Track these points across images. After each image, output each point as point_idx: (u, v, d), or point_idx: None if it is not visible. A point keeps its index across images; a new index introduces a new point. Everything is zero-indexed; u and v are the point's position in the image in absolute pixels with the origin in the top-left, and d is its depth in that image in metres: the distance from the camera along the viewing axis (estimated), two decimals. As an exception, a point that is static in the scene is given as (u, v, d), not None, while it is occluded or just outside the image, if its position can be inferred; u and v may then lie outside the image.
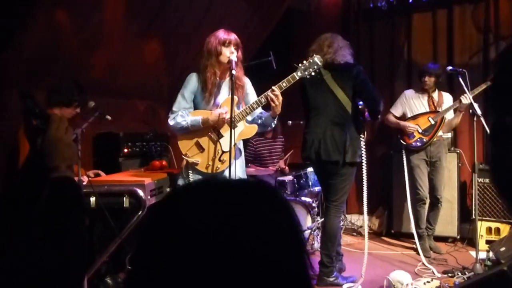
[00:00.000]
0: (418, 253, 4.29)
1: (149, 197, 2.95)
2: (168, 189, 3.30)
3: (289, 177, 4.88)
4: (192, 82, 3.08)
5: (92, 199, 2.91)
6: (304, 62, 2.96)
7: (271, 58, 4.07)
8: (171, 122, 3.04)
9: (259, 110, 3.13)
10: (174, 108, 3.07)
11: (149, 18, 4.26)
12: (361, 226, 5.53)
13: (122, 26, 4.03)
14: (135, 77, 4.56)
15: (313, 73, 2.97)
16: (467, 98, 3.95)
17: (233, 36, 2.99)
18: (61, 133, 1.29)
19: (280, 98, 2.88)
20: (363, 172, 3.55)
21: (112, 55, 4.15)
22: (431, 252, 4.42)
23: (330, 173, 3.57)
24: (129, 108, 4.72)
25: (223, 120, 2.92)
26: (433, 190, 4.48)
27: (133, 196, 2.89)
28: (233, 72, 2.79)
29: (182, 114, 3.02)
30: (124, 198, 2.90)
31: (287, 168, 5.48)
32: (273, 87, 2.88)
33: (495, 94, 0.81)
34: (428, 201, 4.50)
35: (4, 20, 3.16)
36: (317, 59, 2.95)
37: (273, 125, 3.13)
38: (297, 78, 2.93)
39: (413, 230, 4.42)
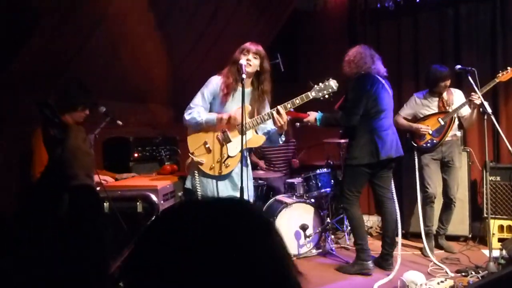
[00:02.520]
0: (423, 254, 4.35)
1: (162, 201, 2.96)
2: (180, 193, 3.32)
3: (299, 179, 4.89)
4: (215, 84, 3.13)
5: (106, 204, 2.93)
6: (320, 84, 3.04)
7: (279, 61, 4.09)
8: (187, 116, 3.09)
9: (270, 125, 3.17)
10: (191, 104, 3.13)
11: (156, 21, 4.27)
12: (371, 227, 5.52)
13: (129, 30, 4.05)
14: (143, 81, 4.58)
15: (326, 96, 3.03)
16: (477, 98, 3.92)
17: (254, 46, 3.06)
18: (79, 142, 1.30)
19: (285, 118, 2.93)
20: None
21: (119, 59, 4.17)
22: (443, 251, 4.42)
23: (388, 168, 3.95)
24: (138, 112, 4.73)
25: (235, 120, 2.96)
26: (446, 190, 4.45)
27: (147, 201, 2.91)
28: (243, 76, 2.80)
29: (199, 111, 3.08)
30: (138, 203, 2.91)
31: (297, 161, 5.52)
32: (278, 107, 2.94)
33: None
34: (436, 200, 4.47)
35: (13, 27, 3.19)
36: (332, 83, 3.04)
37: (280, 142, 3.21)
38: (311, 97, 3.01)
39: (422, 230, 4.42)
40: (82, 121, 3.48)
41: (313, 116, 3.74)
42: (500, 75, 4.18)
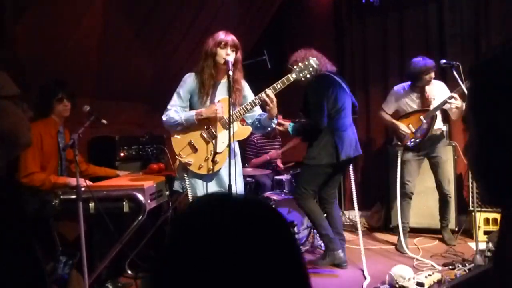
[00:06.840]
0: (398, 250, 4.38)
1: (149, 201, 2.94)
2: (167, 192, 3.29)
3: (287, 176, 4.88)
4: (189, 82, 3.06)
5: (91, 204, 2.90)
6: (300, 64, 2.98)
7: (265, 57, 4.06)
8: (164, 117, 3.01)
9: (258, 111, 3.12)
10: (168, 106, 3.06)
11: (141, 18, 4.22)
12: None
13: (115, 28, 4.00)
14: (129, 80, 4.53)
15: (308, 75, 2.98)
16: (455, 99, 3.94)
17: (230, 37, 2.95)
18: None
19: (274, 100, 2.89)
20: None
21: (105, 58, 4.12)
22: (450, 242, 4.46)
23: (343, 169, 4.03)
24: (124, 111, 4.68)
25: (215, 113, 2.89)
26: (440, 186, 4.45)
27: (133, 200, 2.88)
28: (230, 73, 2.77)
29: (176, 110, 3.00)
30: (124, 203, 2.88)
31: (282, 166, 5.50)
32: (266, 90, 2.88)
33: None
34: (413, 195, 4.49)
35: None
36: (312, 61, 2.97)
37: (273, 126, 3.17)
38: (292, 80, 2.92)
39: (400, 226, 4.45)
40: (67, 114, 3.41)
41: (286, 125, 3.90)
42: None
